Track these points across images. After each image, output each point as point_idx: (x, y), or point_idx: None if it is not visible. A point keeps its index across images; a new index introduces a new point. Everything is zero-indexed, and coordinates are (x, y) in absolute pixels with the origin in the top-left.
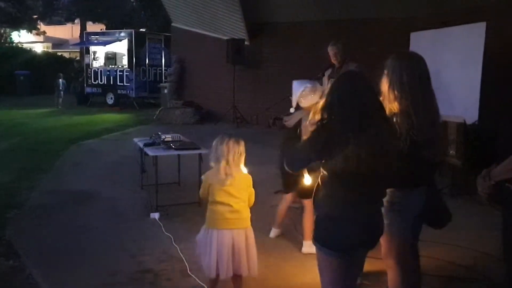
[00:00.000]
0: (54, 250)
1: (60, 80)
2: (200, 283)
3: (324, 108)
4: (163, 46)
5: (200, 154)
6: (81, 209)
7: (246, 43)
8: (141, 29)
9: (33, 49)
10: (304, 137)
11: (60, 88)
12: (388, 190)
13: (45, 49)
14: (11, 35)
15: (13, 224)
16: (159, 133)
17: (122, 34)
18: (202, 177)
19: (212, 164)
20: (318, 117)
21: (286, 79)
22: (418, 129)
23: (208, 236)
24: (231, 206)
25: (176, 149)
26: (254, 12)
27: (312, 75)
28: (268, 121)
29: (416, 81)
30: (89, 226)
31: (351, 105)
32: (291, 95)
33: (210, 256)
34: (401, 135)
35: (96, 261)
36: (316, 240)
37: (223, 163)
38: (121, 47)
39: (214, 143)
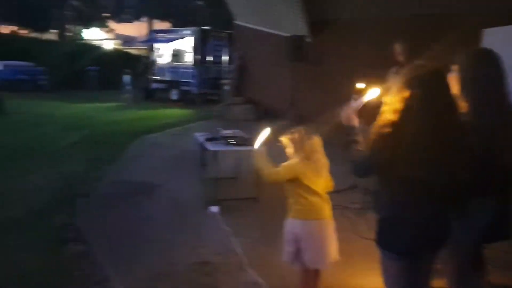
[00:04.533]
0: (118, 238)
1: (127, 76)
2: (257, 277)
3: (401, 109)
4: (225, 43)
5: None
6: (144, 200)
7: (307, 40)
8: (205, 27)
9: (102, 46)
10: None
11: (126, 83)
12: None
13: (116, 46)
14: (82, 32)
15: (82, 211)
16: (220, 128)
17: (187, 31)
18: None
19: (295, 154)
20: (392, 117)
21: (348, 77)
22: (484, 131)
23: (308, 227)
24: (321, 196)
25: (235, 144)
26: (316, 9)
27: (376, 74)
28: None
29: (483, 79)
30: (151, 216)
31: (428, 108)
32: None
33: (316, 248)
34: (468, 137)
35: (157, 251)
36: (378, 243)
37: (314, 155)
38: (186, 44)
39: (294, 136)
